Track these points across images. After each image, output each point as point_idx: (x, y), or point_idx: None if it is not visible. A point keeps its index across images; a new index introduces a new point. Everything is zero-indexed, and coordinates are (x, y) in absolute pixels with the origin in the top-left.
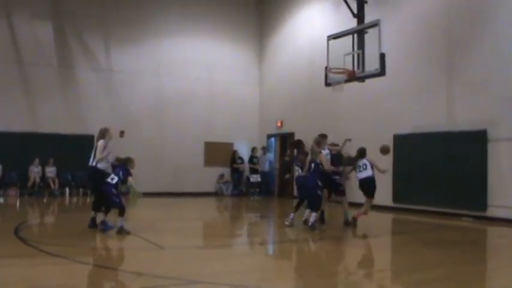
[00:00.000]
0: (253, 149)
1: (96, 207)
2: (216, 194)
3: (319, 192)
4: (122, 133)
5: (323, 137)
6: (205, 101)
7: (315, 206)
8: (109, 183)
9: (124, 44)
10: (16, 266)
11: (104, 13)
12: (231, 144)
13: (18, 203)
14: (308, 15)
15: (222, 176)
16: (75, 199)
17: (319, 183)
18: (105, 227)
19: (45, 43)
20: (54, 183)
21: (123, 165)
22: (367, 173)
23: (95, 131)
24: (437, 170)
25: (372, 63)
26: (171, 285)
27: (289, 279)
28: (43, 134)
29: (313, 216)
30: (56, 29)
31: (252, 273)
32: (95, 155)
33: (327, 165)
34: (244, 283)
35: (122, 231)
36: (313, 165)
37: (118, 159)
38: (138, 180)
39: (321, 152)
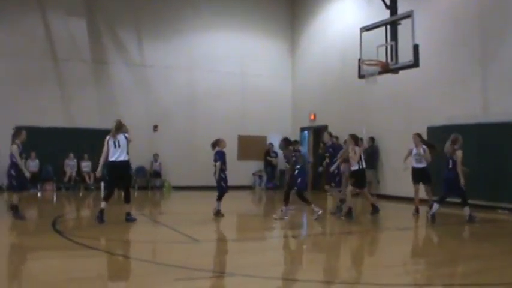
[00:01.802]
0: (295, 142)
1: (107, 197)
2: (250, 187)
3: (462, 186)
4: (155, 127)
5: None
6: (238, 94)
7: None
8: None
9: (157, 39)
10: (54, 258)
11: (136, 9)
12: (264, 138)
13: (55, 197)
14: (340, 7)
15: (259, 170)
16: None
17: (460, 178)
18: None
19: (79, 39)
20: (89, 177)
21: (220, 151)
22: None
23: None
24: (472, 162)
25: (405, 55)
26: (205, 277)
27: (321, 272)
28: (78, 129)
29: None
30: (89, 25)
31: (285, 266)
32: (127, 148)
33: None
34: (277, 275)
35: (219, 214)
36: (451, 161)
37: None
38: (173, 173)
39: (457, 150)
